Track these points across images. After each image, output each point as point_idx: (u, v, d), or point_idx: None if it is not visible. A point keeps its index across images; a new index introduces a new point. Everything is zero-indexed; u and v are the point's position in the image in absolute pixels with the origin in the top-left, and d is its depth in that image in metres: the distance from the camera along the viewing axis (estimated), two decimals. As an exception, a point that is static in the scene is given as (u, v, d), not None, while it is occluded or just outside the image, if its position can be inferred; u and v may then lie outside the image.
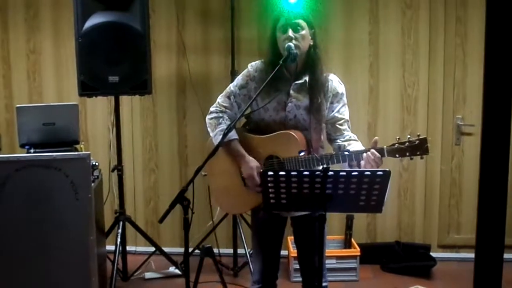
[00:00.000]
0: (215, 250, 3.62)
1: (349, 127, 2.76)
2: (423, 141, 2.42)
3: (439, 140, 4.61)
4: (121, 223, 4.12)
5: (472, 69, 4.52)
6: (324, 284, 2.81)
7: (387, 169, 2.21)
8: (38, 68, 4.90)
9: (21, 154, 3.44)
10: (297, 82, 2.70)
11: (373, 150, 2.44)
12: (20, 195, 3.18)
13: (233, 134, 2.71)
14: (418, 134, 2.47)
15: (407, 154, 2.44)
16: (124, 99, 4.58)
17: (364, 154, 2.46)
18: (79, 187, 3.23)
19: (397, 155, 2.45)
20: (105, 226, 4.13)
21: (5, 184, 3.16)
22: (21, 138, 3.77)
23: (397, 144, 2.46)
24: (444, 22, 4.51)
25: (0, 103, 4.97)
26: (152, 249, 4.37)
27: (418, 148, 2.43)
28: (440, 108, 4.60)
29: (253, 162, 2.69)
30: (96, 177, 3.70)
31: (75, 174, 3.22)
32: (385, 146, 2.46)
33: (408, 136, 2.46)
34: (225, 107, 2.80)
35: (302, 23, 2.64)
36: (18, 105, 3.87)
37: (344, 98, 2.76)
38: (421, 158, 2.46)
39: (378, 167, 2.42)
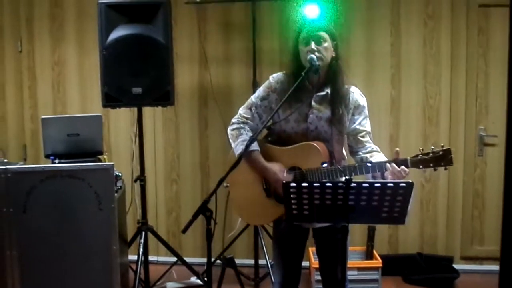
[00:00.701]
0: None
1: (371, 139, 2.76)
2: (447, 152, 2.42)
3: (462, 151, 4.58)
4: (143, 233, 4.15)
5: (494, 79, 4.49)
6: (346, 295, 2.81)
7: (410, 181, 2.20)
8: (63, 79, 4.99)
9: (46, 165, 3.49)
10: (319, 93, 2.71)
11: (394, 165, 2.43)
12: (45, 205, 3.23)
13: (254, 146, 2.71)
14: (442, 145, 2.47)
15: (431, 165, 2.44)
16: (147, 110, 4.63)
17: (389, 165, 2.46)
18: (102, 197, 3.27)
19: (420, 166, 2.45)
20: (127, 236, 4.17)
21: (31, 193, 3.21)
22: (46, 149, 3.82)
23: (420, 155, 2.46)
24: (466, 32, 4.49)
25: (25, 114, 5.07)
26: (174, 259, 4.38)
27: (442, 159, 2.42)
28: (463, 119, 4.57)
29: (275, 167, 2.70)
30: (119, 187, 3.75)
31: (99, 184, 3.27)
32: (408, 157, 2.46)
33: (432, 147, 2.46)
34: (246, 118, 2.82)
35: (325, 35, 2.65)
36: (43, 116, 3.92)
37: (366, 111, 2.77)
38: (445, 169, 2.45)
39: (401, 179, 2.42)
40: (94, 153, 3.86)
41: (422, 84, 4.59)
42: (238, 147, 2.74)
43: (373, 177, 2.57)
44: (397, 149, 2.51)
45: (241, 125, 2.81)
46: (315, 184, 2.25)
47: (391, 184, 2.21)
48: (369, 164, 2.52)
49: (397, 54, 4.59)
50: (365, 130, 2.75)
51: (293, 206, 2.32)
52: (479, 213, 4.64)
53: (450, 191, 4.66)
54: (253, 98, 2.85)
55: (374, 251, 4.43)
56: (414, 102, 4.62)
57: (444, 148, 2.43)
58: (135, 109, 4.25)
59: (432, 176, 4.62)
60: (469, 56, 4.51)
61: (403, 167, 2.44)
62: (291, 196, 2.29)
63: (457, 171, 4.58)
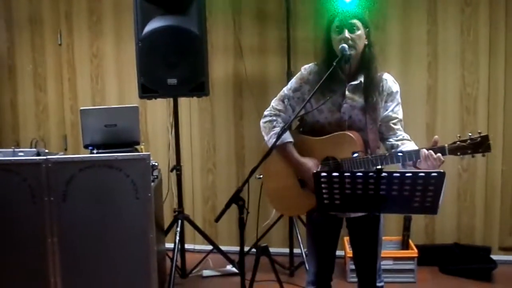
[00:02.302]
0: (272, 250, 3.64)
1: (402, 127, 2.73)
2: (485, 138, 2.39)
3: (501, 140, 4.49)
4: (179, 221, 4.22)
5: (535, 66, 4.39)
6: (379, 284, 2.81)
7: (442, 170, 2.19)
8: (101, 71, 5.10)
9: (85, 155, 3.58)
10: (352, 83, 2.69)
11: (432, 151, 2.42)
12: (84, 194, 3.31)
13: (287, 137, 2.72)
14: (479, 131, 2.43)
15: (469, 151, 2.41)
16: (183, 101, 4.69)
17: (423, 152, 2.44)
18: (139, 187, 3.33)
19: (458, 153, 2.42)
20: (164, 225, 4.24)
21: (70, 183, 3.30)
22: (85, 139, 3.91)
23: (458, 142, 2.43)
24: (505, 18, 4.39)
25: (65, 105, 5.21)
26: (210, 247, 4.45)
27: (480, 145, 2.39)
28: (501, 107, 4.48)
29: (309, 163, 2.70)
30: (155, 177, 3.80)
31: (136, 174, 3.33)
32: (446, 144, 2.44)
33: (469, 134, 2.43)
34: (279, 110, 2.81)
35: (358, 23, 2.62)
36: (81, 108, 4.02)
37: (398, 97, 2.74)
38: (483, 155, 2.42)
39: (437, 167, 2.40)
40: (131, 143, 3.93)
41: (459, 72, 4.52)
42: (271, 140, 2.73)
43: (403, 166, 2.55)
44: (436, 136, 2.48)
45: (274, 118, 2.80)
46: (345, 174, 2.25)
47: (423, 174, 2.19)
48: (400, 154, 2.50)
49: (433, 42, 4.52)
50: (397, 117, 2.72)
51: (325, 196, 2.32)
52: (518, 203, 4.56)
53: (488, 181, 4.58)
54: (285, 90, 2.84)
55: (410, 241, 4.41)
56: (451, 90, 4.55)
57: (482, 134, 2.40)
58: (171, 99, 4.31)
59: (470, 166, 4.56)
60: (508, 43, 4.41)
61: (439, 155, 2.41)
62: (322, 185, 2.29)
63: (495, 160, 4.51)
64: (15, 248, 3.33)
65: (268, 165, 2.76)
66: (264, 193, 2.87)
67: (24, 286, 3.35)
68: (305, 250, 4.12)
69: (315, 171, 2.31)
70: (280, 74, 4.58)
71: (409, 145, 2.63)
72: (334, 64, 2.55)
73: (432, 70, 4.56)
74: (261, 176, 2.87)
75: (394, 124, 2.71)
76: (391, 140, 2.71)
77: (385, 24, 4.51)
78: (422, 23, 4.52)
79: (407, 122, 2.80)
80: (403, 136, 2.70)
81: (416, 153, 2.48)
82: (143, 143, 4.16)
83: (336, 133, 2.68)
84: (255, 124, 2.86)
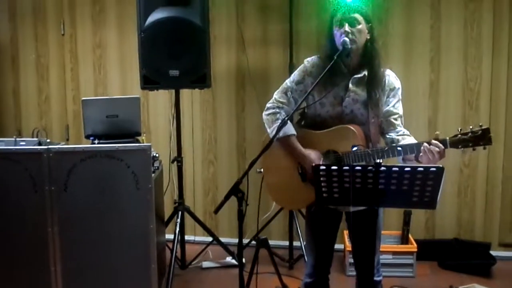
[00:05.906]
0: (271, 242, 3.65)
1: (402, 123, 2.73)
2: (486, 131, 2.36)
3: (502, 135, 4.48)
4: (179, 213, 4.23)
5: (537, 62, 4.38)
6: (378, 278, 2.81)
7: (441, 166, 2.19)
8: (104, 61, 5.11)
9: (86, 145, 3.58)
10: (356, 76, 2.68)
11: (426, 144, 2.41)
12: (85, 184, 3.32)
13: (290, 130, 2.73)
14: (480, 124, 2.41)
15: (470, 144, 2.39)
16: (185, 92, 4.68)
17: (424, 146, 2.42)
18: (140, 177, 3.33)
19: (459, 146, 2.40)
20: (165, 216, 4.25)
21: (71, 173, 3.30)
22: (86, 130, 3.91)
23: (459, 135, 2.41)
24: (508, 14, 4.38)
25: (68, 95, 5.22)
26: (210, 239, 4.46)
27: (481, 138, 2.37)
28: (504, 103, 4.47)
29: (313, 155, 2.70)
30: (156, 167, 3.81)
31: (136, 164, 3.33)
32: (447, 137, 2.43)
33: (471, 127, 2.41)
34: (282, 102, 2.81)
35: (359, 17, 2.61)
36: (83, 98, 4.02)
37: (399, 94, 2.73)
38: (484, 148, 2.40)
39: (438, 160, 2.39)
40: (132, 134, 3.93)
41: (462, 67, 4.50)
42: (273, 132, 2.70)
43: (404, 160, 2.56)
44: (438, 132, 2.47)
45: (277, 110, 2.80)
46: (344, 168, 2.26)
47: (421, 169, 2.19)
48: (399, 148, 2.50)
49: (436, 37, 4.51)
50: (398, 113, 2.72)
51: (323, 189, 2.33)
52: (519, 199, 4.56)
53: (489, 177, 4.57)
54: (288, 82, 2.83)
55: (410, 236, 4.42)
56: (454, 85, 4.54)
57: (483, 127, 2.38)
58: (173, 91, 4.31)
59: (471, 161, 4.56)
60: (511, 39, 4.39)
61: (436, 142, 2.40)
62: (321, 179, 2.30)
63: (496, 156, 4.50)
64: (16, 237, 3.35)
65: (269, 159, 2.77)
66: (265, 187, 2.87)
67: (25, 275, 3.37)
68: (305, 243, 4.14)
69: (314, 164, 2.31)
70: (282, 66, 4.59)
71: (409, 140, 2.62)
72: (335, 57, 2.55)
73: (434, 65, 4.54)
74: (262, 170, 2.87)
75: (395, 119, 2.71)
76: (391, 134, 2.70)
77: (388, 18, 4.50)
78: (425, 18, 4.51)
79: (410, 117, 2.80)
80: (403, 132, 2.70)
81: (416, 146, 2.48)
82: (144, 134, 4.17)
83: (338, 126, 2.68)
84: (257, 116, 2.86)
